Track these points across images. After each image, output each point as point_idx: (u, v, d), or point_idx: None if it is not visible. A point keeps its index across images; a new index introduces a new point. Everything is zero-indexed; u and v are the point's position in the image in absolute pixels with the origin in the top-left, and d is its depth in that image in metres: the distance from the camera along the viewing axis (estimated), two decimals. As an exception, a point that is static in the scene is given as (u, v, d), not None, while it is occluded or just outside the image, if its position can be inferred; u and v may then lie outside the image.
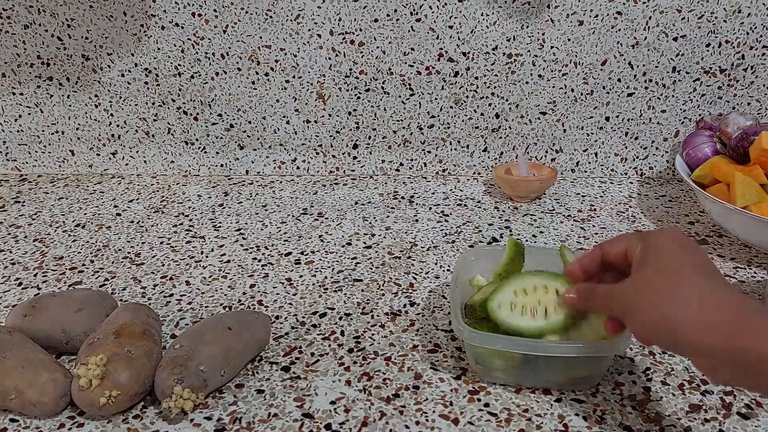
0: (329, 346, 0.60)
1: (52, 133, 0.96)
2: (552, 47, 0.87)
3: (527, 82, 0.90)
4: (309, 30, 0.87)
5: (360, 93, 0.92)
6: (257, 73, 0.90)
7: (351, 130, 0.94)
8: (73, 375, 0.51)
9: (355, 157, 0.97)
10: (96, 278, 0.71)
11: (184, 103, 0.93)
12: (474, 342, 0.52)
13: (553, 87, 0.90)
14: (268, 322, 0.59)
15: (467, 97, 0.91)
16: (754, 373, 0.38)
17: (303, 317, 0.64)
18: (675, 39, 0.86)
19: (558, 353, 0.50)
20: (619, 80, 0.89)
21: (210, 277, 0.71)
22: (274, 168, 0.98)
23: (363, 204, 0.89)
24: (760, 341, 0.37)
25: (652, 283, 0.42)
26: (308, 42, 0.88)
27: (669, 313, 0.40)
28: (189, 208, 0.88)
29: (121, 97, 0.93)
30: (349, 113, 0.93)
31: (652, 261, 0.43)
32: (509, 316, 0.52)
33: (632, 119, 0.92)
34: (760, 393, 0.39)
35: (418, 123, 0.94)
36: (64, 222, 0.84)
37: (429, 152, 0.96)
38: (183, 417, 0.51)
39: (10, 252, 0.77)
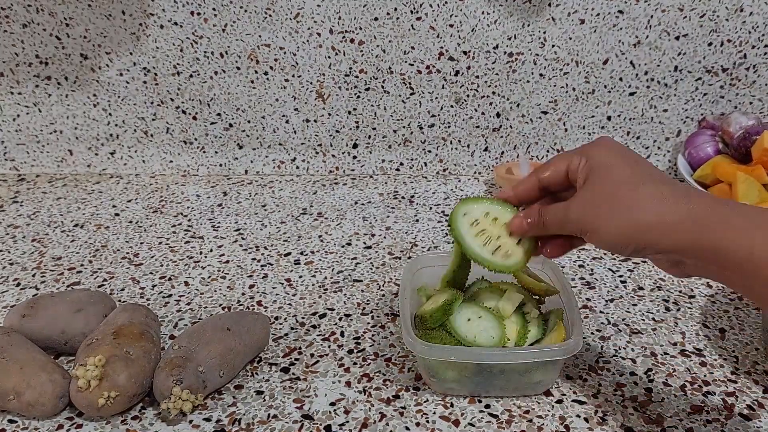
0: (329, 347, 0.59)
1: (51, 133, 0.96)
2: (553, 46, 0.87)
3: (528, 81, 0.89)
4: (308, 29, 0.87)
5: (360, 92, 0.91)
6: (256, 72, 0.90)
7: (351, 129, 0.94)
8: (71, 376, 0.50)
9: (354, 157, 0.97)
10: (94, 278, 0.71)
11: (182, 102, 0.93)
12: (426, 355, 0.50)
13: (555, 86, 0.89)
14: (268, 323, 0.59)
15: (468, 96, 0.91)
16: (718, 266, 0.38)
17: (302, 318, 0.64)
18: (677, 38, 0.85)
19: (512, 360, 0.50)
20: (620, 79, 0.88)
21: (209, 277, 0.71)
22: (274, 168, 0.98)
23: (363, 204, 0.88)
24: (726, 236, 0.37)
25: (611, 193, 0.41)
26: (308, 41, 0.88)
27: (634, 219, 0.39)
28: (188, 208, 0.88)
29: (119, 97, 0.92)
30: (349, 112, 0.93)
31: (604, 173, 0.42)
32: (480, 248, 0.50)
33: (634, 118, 0.91)
34: (721, 283, 0.41)
35: (419, 122, 0.93)
36: (62, 222, 0.84)
37: (429, 152, 0.96)
38: (182, 418, 0.51)
39: (9, 252, 0.77)
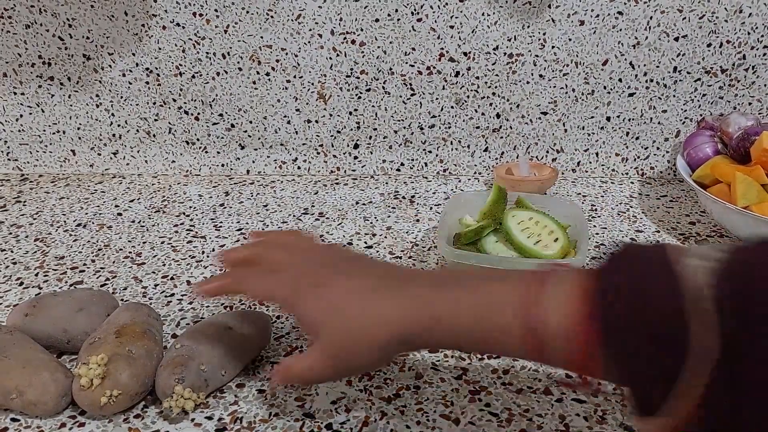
0: (330, 345, 0.60)
1: (54, 133, 0.96)
2: (553, 47, 0.87)
3: (528, 82, 0.90)
4: (310, 30, 0.87)
5: (361, 93, 0.92)
6: (258, 72, 0.91)
7: (352, 129, 0.95)
8: (74, 374, 0.51)
9: (356, 157, 0.97)
10: (97, 278, 0.71)
11: (185, 102, 0.93)
12: (454, 259, 0.62)
13: (554, 87, 0.90)
14: (269, 322, 0.59)
15: (468, 97, 0.91)
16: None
17: (304, 317, 0.64)
18: (676, 39, 0.86)
19: (522, 269, 0.58)
20: (620, 80, 0.89)
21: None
22: (275, 168, 0.98)
23: (364, 204, 0.89)
24: (425, 338, 0.42)
25: (332, 344, 0.44)
26: (309, 42, 0.88)
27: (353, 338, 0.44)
28: (190, 207, 0.88)
29: (122, 97, 0.93)
30: (350, 113, 0.93)
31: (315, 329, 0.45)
32: (524, 239, 0.64)
33: (633, 119, 0.92)
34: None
35: (419, 123, 0.94)
36: (65, 222, 0.85)
37: (430, 152, 0.96)
38: (184, 416, 0.51)
39: (12, 252, 0.77)
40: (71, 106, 0.94)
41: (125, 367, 0.50)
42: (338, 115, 0.93)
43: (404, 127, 0.94)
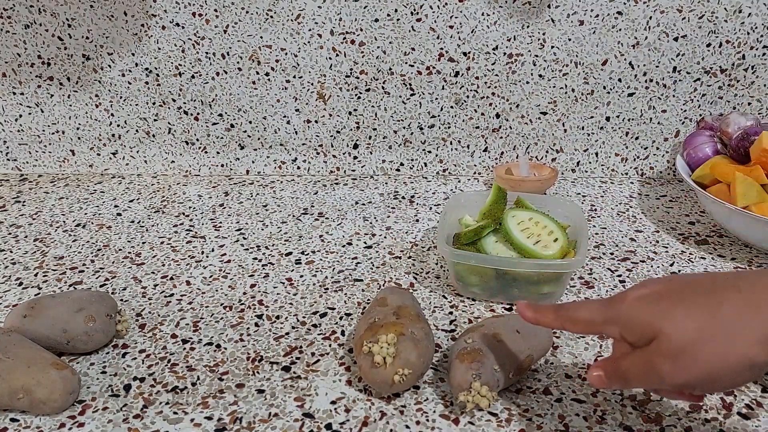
0: (330, 345, 0.60)
1: (53, 133, 0.96)
2: (552, 47, 0.87)
3: (528, 82, 0.90)
4: (309, 30, 0.87)
5: (360, 93, 0.92)
6: (258, 73, 0.90)
7: (351, 129, 0.95)
8: (363, 353, 0.52)
9: (355, 157, 0.97)
10: (96, 278, 0.71)
11: (184, 102, 0.93)
12: (453, 259, 0.63)
13: (554, 87, 0.90)
14: (551, 333, 0.57)
15: (468, 97, 0.91)
16: None
17: (303, 317, 0.64)
18: (675, 39, 0.86)
19: (520, 269, 0.62)
20: (619, 80, 0.89)
21: (210, 276, 0.71)
22: (275, 168, 0.98)
23: (363, 204, 0.89)
24: None
25: (692, 351, 0.39)
26: (309, 42, 0.88)
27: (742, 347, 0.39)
28: (189, 208, 0.88)
29: (121, 97, 0.93)
30: (350, 113, 0.93)
31: (663, 339, 0.40)
32: (524, 239, 0.64)
33: (633, 119, 0.92)
34: None
35: (419, 123, 0.94)
36: (64, 222, 0.85)
37: (429, 152, 0.96)
38: (476, 412, 0.51)
39: (11, 252, 0.77)
40: (70, 106, 0.94)
41: (413, 348, 0.51)
42: (338, 115, 0.93)
43: (404, 127, 0.94)
